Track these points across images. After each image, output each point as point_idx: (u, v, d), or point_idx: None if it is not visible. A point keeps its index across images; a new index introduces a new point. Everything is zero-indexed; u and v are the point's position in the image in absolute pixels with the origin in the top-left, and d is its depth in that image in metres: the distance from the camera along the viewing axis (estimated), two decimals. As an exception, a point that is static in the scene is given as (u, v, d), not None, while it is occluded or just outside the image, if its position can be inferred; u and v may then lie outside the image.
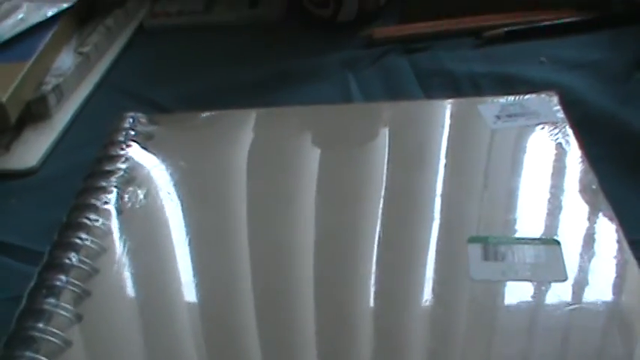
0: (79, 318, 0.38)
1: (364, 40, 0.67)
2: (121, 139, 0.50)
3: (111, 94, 0.64)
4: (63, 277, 0.39)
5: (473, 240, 0.40)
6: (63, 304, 0.38)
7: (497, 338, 0.36)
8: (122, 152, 0.49)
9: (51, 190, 0.52)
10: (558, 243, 0.40)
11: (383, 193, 0.45)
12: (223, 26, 0.73)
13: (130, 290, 0.40)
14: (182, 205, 0.45)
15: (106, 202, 0.45)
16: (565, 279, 0.38)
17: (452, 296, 0.38)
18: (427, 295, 0.38)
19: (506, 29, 0.65)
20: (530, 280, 0.38)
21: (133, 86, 0.64)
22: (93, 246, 0.41)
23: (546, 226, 0.41)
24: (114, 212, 0.44)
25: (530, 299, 0.37)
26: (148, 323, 0.38)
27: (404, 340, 0.36)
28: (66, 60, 0.65)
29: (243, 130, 0.52)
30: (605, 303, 0.37)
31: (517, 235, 0.41)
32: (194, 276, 0.40)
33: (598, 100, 0.55)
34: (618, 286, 0.38)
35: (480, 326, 0.36)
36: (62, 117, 0.60)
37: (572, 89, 0.56)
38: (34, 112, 0.59)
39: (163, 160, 0.49)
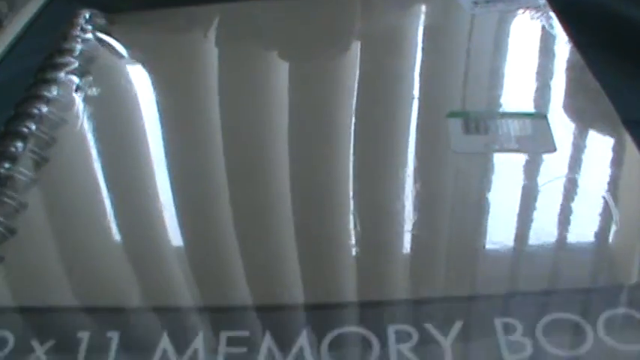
0: (34, 182, 0.35)
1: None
2: (76, 33, 0.46)
3: (68, 5, 0.60)
4: (20, 145, 0.36)
5: (452, 115, 0.38)
6: (20, 168, 0.35)
7: (485, 210, 0.33)
8: (77, 46, 0.45)
9: (3, 93, 0.49)
10: (545, 116, 0.37)
11: (357, 75, 0.42)
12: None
13: (90, 159, 0.37)
14: (144, 91, 0.42)
15: (59, 93, 0.41)
16: (554, 150, 0.35)
17: (434, 169, 0.35)
18: (408, 169, 0.35)
19: None
20: (517, 152, 0.35)
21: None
22: (51, 116, 0.38)
23: (533, 102, 0.39)
24: (69, 100, 0.41)
25: (518, 171, 0.35)
26: (113, 188, 0.35)
27: (386, 216, 0.33)
28: (17, -30, 0.61)
29: (210, 23, 0.49)
30: (598, 174, 0.34)
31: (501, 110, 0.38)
32: (163, 147, 0.37)
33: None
34: (611, 159, 0.35)
35: (466, 199, 0.33)
36: (14, 26, 0.56)
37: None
38: (-16, 20, 0.55)
39: (122, 52, 0.45)
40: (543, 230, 0.31)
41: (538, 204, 0.33)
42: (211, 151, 0.37)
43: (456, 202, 0.34)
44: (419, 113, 0.39)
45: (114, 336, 0.27)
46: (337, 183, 0.35)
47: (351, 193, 0.34)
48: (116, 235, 0.32)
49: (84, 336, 0.27)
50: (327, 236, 0.32)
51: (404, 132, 0.38)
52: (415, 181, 0.34)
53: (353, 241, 0.31)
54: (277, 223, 0.33)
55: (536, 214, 0.32)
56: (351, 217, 0.32)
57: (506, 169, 0.35)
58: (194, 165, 0.37)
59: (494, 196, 0.33)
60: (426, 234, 0.31)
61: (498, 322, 0.27)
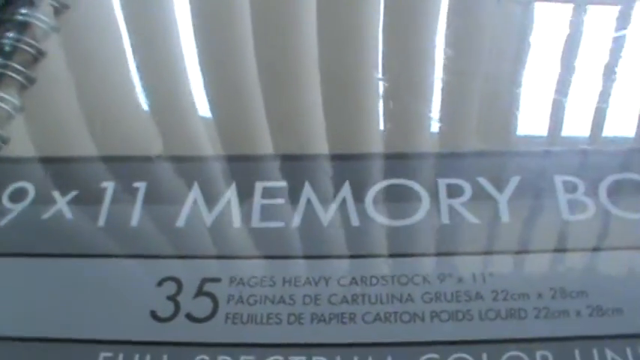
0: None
1: None
2: None
3: None
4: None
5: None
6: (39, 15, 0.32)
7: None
8: None
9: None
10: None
11: None
12: None
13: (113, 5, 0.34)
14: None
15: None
16: None
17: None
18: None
19: None
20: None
21: None
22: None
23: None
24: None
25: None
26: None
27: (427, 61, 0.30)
28: None
29: None
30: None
31: None
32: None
33: None
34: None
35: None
36: None
37: None
38: None
39: None
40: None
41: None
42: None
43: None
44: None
45: (140, 186, 0.25)
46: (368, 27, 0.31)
47: (380, 36, 0.31)
48: (139, 86, 0.30)
49: (108, 186, 0.25)
50: (358, 83, 0.29)
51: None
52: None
53: (388, 87, 0.28)
54: (306, 70, 0.30)
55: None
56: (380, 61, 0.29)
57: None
58: (220, 13, 0.33)
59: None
60: (479, 84, 0.28)
61: (558, 180, 0.25)
